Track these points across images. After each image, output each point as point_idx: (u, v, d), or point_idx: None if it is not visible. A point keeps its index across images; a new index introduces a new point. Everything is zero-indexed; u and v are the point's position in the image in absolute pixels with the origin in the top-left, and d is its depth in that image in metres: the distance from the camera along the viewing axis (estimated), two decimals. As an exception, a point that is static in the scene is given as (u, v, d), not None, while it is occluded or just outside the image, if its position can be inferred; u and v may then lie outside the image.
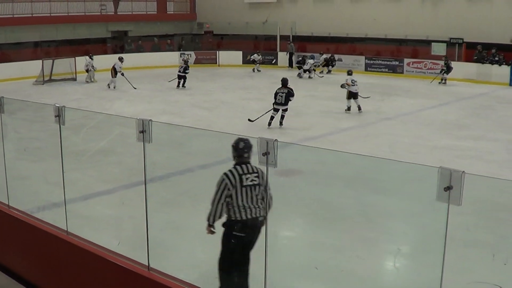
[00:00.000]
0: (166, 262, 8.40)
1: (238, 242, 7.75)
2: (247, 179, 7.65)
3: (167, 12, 49.75)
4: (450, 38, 36.11)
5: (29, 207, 10.23)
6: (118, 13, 45.97)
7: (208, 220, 7.97)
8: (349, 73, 25.19)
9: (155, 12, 48.47)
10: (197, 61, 44.51)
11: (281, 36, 44.74)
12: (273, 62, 42.80)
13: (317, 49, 40.98)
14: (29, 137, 18.44)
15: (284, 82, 21.42)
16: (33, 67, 35.51)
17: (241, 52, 44.78)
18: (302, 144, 16.91)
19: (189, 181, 14.21)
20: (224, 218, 7.90)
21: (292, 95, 21.04)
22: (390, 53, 37.61)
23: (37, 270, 9.20)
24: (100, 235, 9.70)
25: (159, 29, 47.21)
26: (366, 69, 38.65)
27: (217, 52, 44.95)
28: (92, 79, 35.51)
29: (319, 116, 23.55)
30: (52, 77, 35.79)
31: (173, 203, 12.22)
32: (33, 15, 40.31)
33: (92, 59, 35.85)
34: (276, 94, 21.06)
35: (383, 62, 37.92)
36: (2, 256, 9.95)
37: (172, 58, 43.18)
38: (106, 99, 28.25)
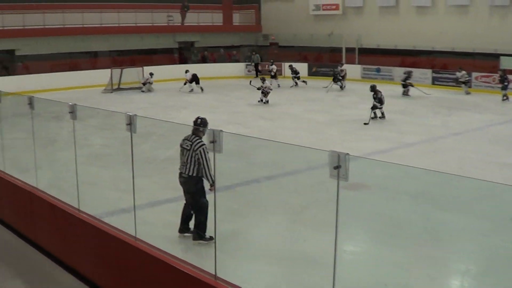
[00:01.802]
0: (232, 272, 8.49)
1: None
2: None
3: (233, 24, 50.05)
4: (520, 52, 35.43)
5: (98, 212, 10.41)
6: (185, 24, 46.42)
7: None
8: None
9: (221, 24, 48.84)
10: (263, 73, 44.56)
11: (346, 49, 44.52)
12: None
13: (383, 62, 40.76)
14: (99, 143, 18.81)
15: (374, 88, 25.34)
16: (102, 76, 36.13)
17: (306, 64, 44.66)
18: (369, 158, 16.80)
19: (255, 192, 14.30)
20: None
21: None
22: (458, 67, 37.04)
23: (104, 273, 9.40)
24: (167, 242, 9.88)
25: (225, 40, 47.52)
26: (433, 83, 38.02)
27: (282, 64, 44.98)
28: (150, 89, 36.09)
29: (385, 130, 23.36)
30: (120, 86, 36.36)
31: (239, 213, 12.28)
32: (102, 25, 41.04)
33: (151, 76, 36.43)
34: (381, 97, 24.94)
35: (450, 76, 37.22)
36: (71, 258, 10.20)
37: (237, 69, 43.44)
38: (172, 108, 28.57)
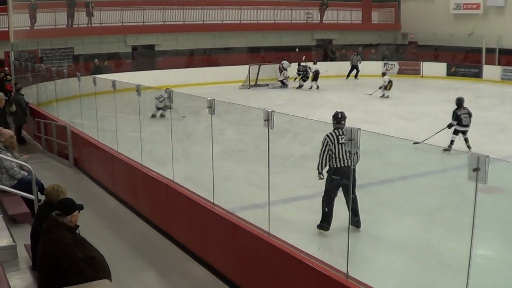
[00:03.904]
0: (364, 271, 8.41)
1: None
2: (342, 138, 10.60)
3: (372, 22, 49.68)
4: None
5: (231, 207, 10.50)
6: (323, 21, 46.38)
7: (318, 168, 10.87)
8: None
9: (360, 22, 48.55)
10: (401, 72, 44.12)
11: (486, 49, 43.39)
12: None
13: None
14: (234, 139, 19.00)
15: (461, 101, 18.90)
16: (240, 72, 36.57)
17: (445, 64, 43.83)
18: (508, 160, 16.32)
19: (389, 192, 14.15)
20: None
21: (471, 115, 18.70)
22: None
23: (236, 267, 9.51)
24: (300, 239, 9.84)
25: (363, 38, 47.22)
26: None
27: (421, 63, 44.34)
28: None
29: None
30: (258, 82, 36.66)
31: (372, 212, 12.16)
32: (241, 21, 41.50)
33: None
34: (458, 116, 18.41)
35: None
36: (204, 251, 10.35)
37: (375, 67, 42.99)
38: (310, 106, 28.62)
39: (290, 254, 8.01)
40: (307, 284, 7.78)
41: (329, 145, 10.62)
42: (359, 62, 42.03)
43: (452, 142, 18.18)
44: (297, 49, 43.70)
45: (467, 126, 18.48)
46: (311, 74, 36.16)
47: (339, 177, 10.65)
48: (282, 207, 11.99)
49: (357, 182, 10.36)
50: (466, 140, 18.37)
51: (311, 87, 35.83)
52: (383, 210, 12.68)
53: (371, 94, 32.74)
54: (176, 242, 11.14)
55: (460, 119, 18.35)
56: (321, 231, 10.92)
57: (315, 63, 37.27)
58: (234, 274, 9.45)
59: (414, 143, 16.30)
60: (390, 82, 32.26)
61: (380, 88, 32.46)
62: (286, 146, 16.70)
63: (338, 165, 10.66)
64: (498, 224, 11.39)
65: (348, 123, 7.69)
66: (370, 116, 25.61)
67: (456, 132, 18.45)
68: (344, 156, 10.58)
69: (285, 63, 37.97)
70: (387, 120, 24.76)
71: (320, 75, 36.24)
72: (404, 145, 15.42)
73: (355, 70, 41.90)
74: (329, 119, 11.22)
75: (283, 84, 36.49)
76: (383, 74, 33.44)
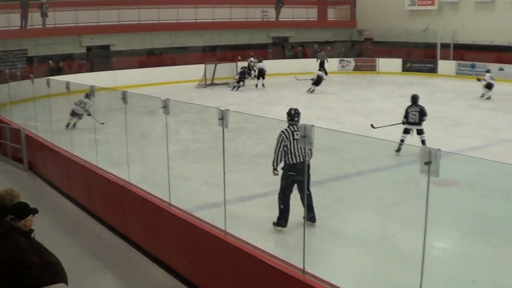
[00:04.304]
0: (321, 267, 8.43)
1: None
2: (297, 134, 10.47)
3: (328, 19, 49.84)
4: None
5: (188, 206, 10.47)
6: (279, 19, 46.44)
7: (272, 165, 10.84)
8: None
9: (316, 19, 48.69)
10: (357, 68, 44.49)
11: (441, 44, 43.82)
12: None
13: (478, 58, 40.01)
14: (191, 138, 18.94)
15: (415, 99, 18.35)
16: (196, 71, 36.48)
17: (400, 60, 44.32)
18: (461, 154, 16.52)
19: (346, 187, 14.18)
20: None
21: (426, 114, 17.99)
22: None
23: (193, 267, 9.47)
24: (257, 237, 9.84)
25: (319, 35, 47.37)
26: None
27: (377, 59, 44.69)
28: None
29: (479, 126, 22.89)
30: (214, 81, 36.62)
31: (329, 208, 12.21)
32: (197, 20, 41.39)
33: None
34: (407, 113, 18.04)
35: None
36: (161, 252, 10.28)
37: (332, 64, 43.17)
38: (266, 104, 28.60)
39: (247, 252, 8.00)
40: (264, 281, 7.77)
41: (284, 141, 10.64)
42: (325, 59, 42.00)
43: (402, 141, 17.43)
44: (315, 45, 44.52)
45: (414, 123, 17.86)
46: (253, 73, 36.31)
47: (295, 173, 10.64)
48: (239, 205, 12.03)
49: (315, 179, 10.40)
50: (423, 142, 17.46)
51: (256, 85, 35.77)
52: (340, 206, 12.73)
53: (298, 79, 34.41)
54: (133, 244, 11.04)
55: (407, 116, 17.99)
56: (278, 228, 10.91)
57: (260, 61, 37.28)
58: (192, 274, 9.40)
59: (371, 126, 16.59)
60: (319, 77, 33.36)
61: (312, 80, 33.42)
62: (243, 144, 16.70)
63: (293, 161, 10.67)
64: (454, 217, 11.56)
65: (305, 120, 7.69)
66: (327, 113, 25.74)
67: (406, 131, 17.94)
68: (299, 152, 10.61)
69: (253, 60, 38.31)
70: (344, 117, 24.89)
71: (266, 73, 36.29)
72: (360, 141, 15.51)
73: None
74: (285, 117, 11.24)
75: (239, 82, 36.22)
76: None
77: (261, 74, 35.84)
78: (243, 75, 34.54)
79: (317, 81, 33.67)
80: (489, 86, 30.49)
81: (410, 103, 18.24)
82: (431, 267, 7.26)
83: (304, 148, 9.87)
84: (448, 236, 11.13)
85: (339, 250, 10.34)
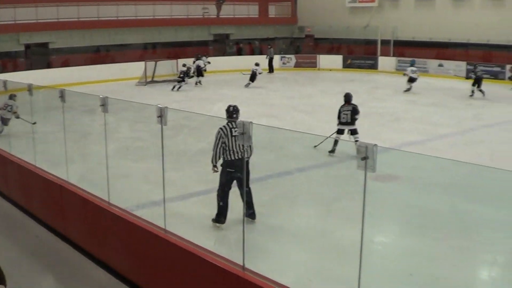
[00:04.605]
0: (261, 263, 8.44)
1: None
2: (235, 131, 10.51)
3: (269, 16, 49.96)
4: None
5: (128, 205, 10.38)
6: (220, 16, 46.39)
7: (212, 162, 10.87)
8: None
9: (257, 16, 48.75)
10: (297, 65, 44.72)
11: (381, 41, 44.36)
12: None
13: (418, 54, 40.58)
14: (131, 136, 18.82)
15: (348, 97, 17.79)
16: (136, 68, 36.20)
17: (341, 56, 44.81)
18: (400, 149, 16.71)
19: (287, 184, 14.24)
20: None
21: (358, 112, 17.44)
22: (493, 59, 36.56)
23: (134, 266, 9.39)
24: (197, 234, 9.84)
25: (260, 32, 47.49)
26: (467, 75, 37.79)
27: (318, 56, 44.93)
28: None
29: (418, 122, 23.20)
30: (155, 79, 36.44)
31: (270, 205, 12.27)
32: (137, 17, 41.13)
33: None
34: (340, 112, 17.50)
35: (485, 68, 36.69)
36: (101, 251, 10.17)
37: (273, 61, 43.31)
38: (207, 101, 28.53)
39: (187, 250, 7.98)
40: (204, 279, 7.78)
41: (223, 137, 10.71)
42: (273, 56, 42.14)
43: (335, 142, 16.90)
44: (256, 42, 44.47)
45: (346, 124, 17.29)
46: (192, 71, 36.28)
47: (233, 170, 10.73)
48: (180, 203, 12.00)
49: (255, 175, 10.41)
50: (356, 143, 15.72)
51: (196, 83, 35.58)
52: (281, 202, 12.78)
53: (244, 74, 34.62)
54: (73, 245, 10.90)
55: (340, 116, 17.44)
56: (217, 224, 10.95)
57: (198, 58, 37.15)
58: (134, 274, 9.32)
59: (314, 147, 16.41)
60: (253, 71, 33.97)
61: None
62: (183, 142, 16.64)
63: (232, 158, 10.75)
64: (393, 211, 11.78)
65: (246, 117, 7.70)
66: (268, 109, 25.80)
67: (339, 132, 17.37)
68: (238, 149, 10.69)
69: (203, 58, 38.46)
70: (285, 113, 24.96)
71: (205, 70, 36.33)
72: (301, 137, 15.57)
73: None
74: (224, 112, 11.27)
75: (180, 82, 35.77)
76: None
77: (199, 71, 35.70)
78: (186, 74, 34.26)
79: (252, 77, 34.22)
80: (411, 80, 31.81)
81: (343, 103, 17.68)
82: (370, 261, 7.33)
83: (243, 145, 9.86)
84: (388, 230, 11.32)
85: (280, 246, 10.38)
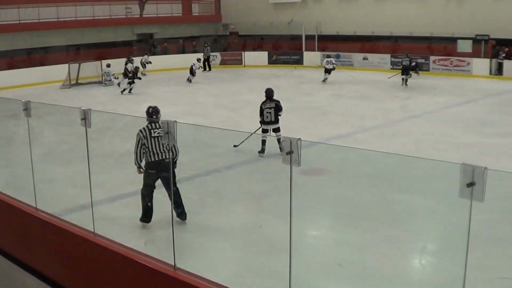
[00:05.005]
0: (193, 262, 8.47)
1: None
2: (154, 132, 10.69)
3: (192, 14, 49.83)
4: (476, 35, 35.91)
5: (57, 210, 10.29)
6: (143, 16, 46.09)
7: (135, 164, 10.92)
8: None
9: (180, 14, 48.55)
10: (223, 62, 44.68)
11: (306, 36, 44.67)
12: None
13: (343, 48, 41.11)
14: (56, 140, 18.58)
15: (270, 93, 16.81)
16: (60, 71, 35.70)
17: (266, 53, 45.01)
18: (327, 143, 16.87)
19: (216, 182, 14.28)
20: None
21: (281, 109, 16.61)
22: (416, 51, 37.24)
23: (65, 271, 9.26)
24: (127, 236, 9.83)
25: (185, 31, 47.29)
26: (392, 67, 38.42)
27: (243, 53, 45.05)
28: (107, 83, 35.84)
29: (345, 115, 23.48)
30: (79, 81, 36.03)
31: (200, 203, 12.29)
32: (59, 19, 40.55)
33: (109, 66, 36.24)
34: (262, 110, 16.58)
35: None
36: (30, 258, 10.04)
37: (210, 59, 43.42)
38: (133, 102, 28.34)
39: (117, 252, 7.93)
40: (135, 280, 7.74)
41: (142, 139, 10.75)
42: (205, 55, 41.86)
43: (263, 142, 16.19)
44: (180, 41, 44.66)
45: (270, 123, 16.43)
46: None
47: (155, 171, 10.78)
48: (108, 205, 11.93)
49: (185, 174, 10.43)
50: (278, 141, 15.50)
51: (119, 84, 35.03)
52: (211, 200, 12.78)
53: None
54: (2, 252, 10.73)
55: (263, 114, 16.50)
56: (144, 224, 10.95)
57: (130, 60, 36.83)
58: (64, 279, 9.21)
59: (234, 146, 16.26)
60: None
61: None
62: (109, 144, 16.52)
63: (153, 159, 10.76)
64: (324, 204, 11.96)
65: (172, 117, 7.68)
66: (195, 108, 25.75)
67: (264, 131, 16.43)
68: (158, 149, 10.73)
69: (144, 58, 39.03)
70: (212, 111, 24.98)
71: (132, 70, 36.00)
72: (228, 134, 15.59)
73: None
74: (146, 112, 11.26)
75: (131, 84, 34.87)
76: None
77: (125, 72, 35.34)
78: (135, 74, 33.65)
79: (190, 71, 35.18)
80: (326, 71, 33.50)
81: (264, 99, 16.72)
82: (302, 254, 7.42)
83: (166, 145, 10.31)
84: (318, 223, 11.48)
85: (211, 244, 10.39)
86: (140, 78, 32.84)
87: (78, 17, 41.68)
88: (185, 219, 10.85)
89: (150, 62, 39.82)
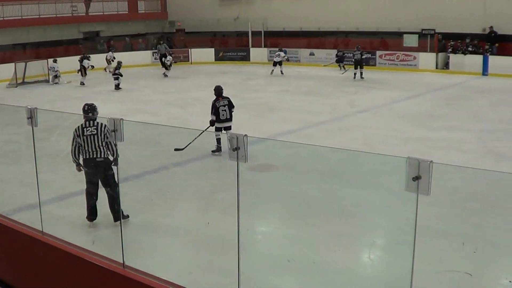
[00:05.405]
0: (143, 260, 8.46)
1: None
2: (87, 130, 10.67)
3: (138, 12, 49.54)
4: (422, 29, 36.34)
5: (5, 210, 10.19)
6: (89, 14, 45.70)
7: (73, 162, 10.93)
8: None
9: (126, 12, 48.25)
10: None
11: (252, 32, 44.77)
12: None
13: (289, 44, 41.32)
14: (3, 140, 18.37)
15: (219, 91, 16.50)
16: (6, 70, 35.24)
17: (213, 49, 45.08)
18: (276, 139, 16.93)
19: (164, 179, 14.26)
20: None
21: (233, 105, 16.44)
22: (362, 46, 37.53)
23: (13, 271, 9.24)
24: (76, 235, 9.79)
25: (131, 28, 47.01)
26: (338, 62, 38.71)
27: (189, 50, 44.95)
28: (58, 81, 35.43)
29: (293, 111, 23.56)
30: (25, 80, 35.60)
31: (148, 201, 12.27)
32: (4, 18, 40.03)
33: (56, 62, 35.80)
34: (217, 108, 16.14)
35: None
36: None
37: (144, 57, 43.24)
38: (81, 100, 28.00)
39: (66, 251, 7.93)
40: (84, 279, 7.75)
41: (76, 137, 10.78)
42: (167, 52, 41.23)
43: (218, 140, 15.93)
44: (127, 38, 44.41)
45: (226, 120, 16.14)
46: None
47: (90, 169, 10.81)
48: (57, 204, 11.86)
49: (132, 172, 10.38)
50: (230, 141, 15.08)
51: (81, 83, 34.80)
52: (159, 198, 12.76)
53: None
54: None
55: (218, 113, 16.08)
56: (91, 222, 10.95)
57: (85, 58, 36.40)
58: (13, 279, 9.16)
59: (175, 150, 15.99)
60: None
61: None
62: (57, 142, 16.36)
63: (87, 157, 10.75)
64: (274, 200, 12.03)
65: (120, 115, 7.67)
66: (143, 106, 25.62)
67: (218, 130, 16.05)
68: (90, 148, 10.69)
69: (109, 54, 39.39)
70: (160, 109, 24.88)
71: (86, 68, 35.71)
72: (176, 132, 15.56)
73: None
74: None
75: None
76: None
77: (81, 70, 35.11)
78: (116, 69, 33.13)
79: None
80: (274, 64, 35.56)
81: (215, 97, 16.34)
82: (251, 250, 7.46)
83: (99, 144, 10.57)
84: (268, 219, 11.50)
85: (161, 241, 10.40)
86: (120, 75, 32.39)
87: (23, 16, 41.19)
88: (117, 220, 10.45)
89: (114, 58, 38.94)
